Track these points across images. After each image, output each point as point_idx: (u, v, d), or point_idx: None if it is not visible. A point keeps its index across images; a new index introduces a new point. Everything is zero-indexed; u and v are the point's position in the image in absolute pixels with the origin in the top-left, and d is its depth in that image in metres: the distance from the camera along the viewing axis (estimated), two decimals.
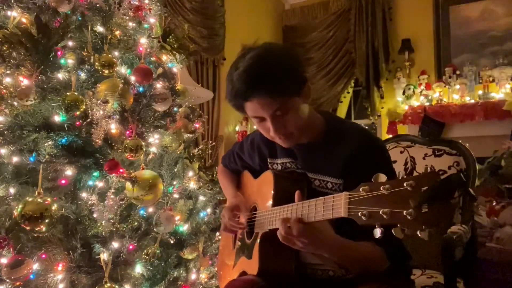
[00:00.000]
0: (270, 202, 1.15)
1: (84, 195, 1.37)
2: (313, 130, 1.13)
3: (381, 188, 0.75)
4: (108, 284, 1.30)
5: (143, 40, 1.66)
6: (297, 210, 0.97)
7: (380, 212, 0.75)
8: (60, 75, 1.40)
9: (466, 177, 1.58)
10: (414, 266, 1.44)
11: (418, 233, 0.71)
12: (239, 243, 1.33)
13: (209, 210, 1.85)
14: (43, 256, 1.27)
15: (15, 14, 1.40)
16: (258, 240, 1.15)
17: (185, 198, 1.72)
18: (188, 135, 1.88)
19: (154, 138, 1.58)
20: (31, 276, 1.23)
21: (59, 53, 1.39)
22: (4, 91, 1.29)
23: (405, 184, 0.72)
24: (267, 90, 0.99)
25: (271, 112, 1.02)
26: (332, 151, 1.11)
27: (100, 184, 1.41)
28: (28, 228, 1.19)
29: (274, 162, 1.26)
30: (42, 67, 1.33)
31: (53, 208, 1.21)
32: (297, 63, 1.07)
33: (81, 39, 1.50)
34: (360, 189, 0.79)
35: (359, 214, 0.78)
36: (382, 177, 0.77)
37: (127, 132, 1.45)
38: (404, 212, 0.71)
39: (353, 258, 1.02)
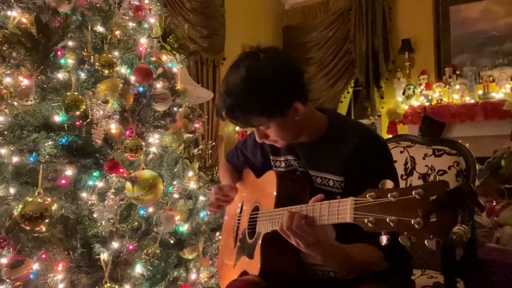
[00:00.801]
0: (273, 202, 1.15)
1: (84, 195, 1.37)
2: (314, 129, 1.14)
3: (389, 195, 0.75)
4: (108, 284, 1.30)
5: (143, 40, 1.66)
6: (300, 212, 0.97)
7: (387, 220, 0.74)
8: (60, 75, 1.40)
9: (466, 177, 1.58)
10: (414, 266, 1.43)
11: (425, 242, 0.71)
12: (240, 243, 1.33)
13: None
14: (43, 256, 1.27)
15: (15, 14, 1.40)
16: (260, 240, 1.15)
17: (185, 198, 1.71)
18: (188, 135, 1.88)
19: (154, 138, 1.58)
20: (31, 276, 1.23)
21: (59, 53, 1.39)
22: (4, 91, 1.29)
23: (413, 193, 0.71)
24: (242, 120, 1.06)
25: (254, 127, 1.08)
26: (334, 149, 1.11)
27: (100, 184, 1.41)
28: (28, 228, 1.19)
29: (277, 160, 1.26)
30: (42, 67, 1.33)
31: (53, 208, 1.21)
32: (288, 85, 1.03)
33: (81, 39, 1.50)
34: (367, 195, 0.78)
35: (365, 220, 0.77)
36: (389, 184, 0.77)
37: (127, 132, 1.45)
38: (412, 221, 0.70)
39: (349, 263, 1.03)
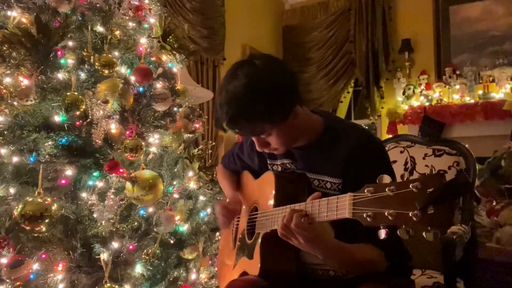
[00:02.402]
0: (271, 202, 1.15)
1: (84, 195, 1.37)
2: (311, 132, 1.14)
3: (386, 190, 0.75)
4: (108, 284, 1.30)
5: (143, 40, 1.66)
6: None
7: (385, 213, 0.75)
8: (60, 75, 1.40)
9: None
10: (414, 266, 1.43)
11: (423, 234, 0.71)
12: (239, 243, 1.33)
13: (209, 210, 1.85)
14: (43, 256, 1.27)
15: (15, 14, 1.40)
16: (260, 241, 1.15)
17: (185, 198, 1.71)
18: (188, 135, 1.88)
19: (154, 138, 1.58)
20: (31, 276, 1.23)
21: (59, 53, 1.39)
22: (4, 91, 1.29)
23: (410, 186, 0.72)
24: (252, 121, 1.01)
25: (254, 136, 1.07)
26: (330, 151, 1.11)
27: (100, 184, 1.41)
28: (28, 228, 1.19)
29: (273, 163, 1.26)
30: (42, 67, 1.33)
31: (53, 208, 1.21)
32: (288, 88, 1.04)
33: (81, 39, 1.50)
34: (365, 190, 0.79)
35: (364, 215, 0.78)
36: (386, 179, 0.77)
37: (127, 132, 1.45)
38: (410, 214, 0.71)
39: (349, 262, 1.02)
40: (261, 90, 0.99)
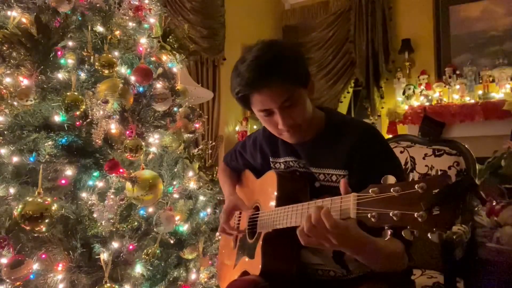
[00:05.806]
0: (273, 202, 1.15)
1: (84, 195, 1.37)
2: (316, 125, 1.14)
3: (391, 190, 0.75)
4: (108, 284, 1.30)
5: (143, 40, 1.66)
6: (302, 210, 0.97)
7: (390, 214, 0.74)
8: (60, 75, 1.40)
9: None
10: (414, 266, 1.43)
11: (428, 235, 0.71)
12: (240, 243, 1.33)
13: (209, 210, 1.85)
14: (43, 256, 1.27)
15: (15, 14, 1.40)
16: (261, 240, 1.15)
17: (185, 198, 1.71)
18: (188, 135, 1.88)
19: (154, 138, 1.58)
20: (31, 276, 1.23)
21: (59, 53, 1.39)
22: (4, 91, 1.29)
23: (416, 187, 0.72)
24: (279, 77, 1.00)
25: (280, 103, 1.02)
26: (334, 144, 1.12)
27: (100, 184, 1.41)
28: (28, 228, 1.19)
29: (276, 161, 1.26)
30: (42, 67, 1.33)
31: (53, 208, 1.21)
32: (303, 54, 1.11)
33: (81, 39, 1.50)
34: (370, 191, 0.79)
35: (368, 215, 0.77)
36: (391, 179, 0.77)
37: (127, 132, 1.45)
38: (415, 214, 0.71)
39: (376, 255, 0.95)
40: (283, 46, 1.06)
